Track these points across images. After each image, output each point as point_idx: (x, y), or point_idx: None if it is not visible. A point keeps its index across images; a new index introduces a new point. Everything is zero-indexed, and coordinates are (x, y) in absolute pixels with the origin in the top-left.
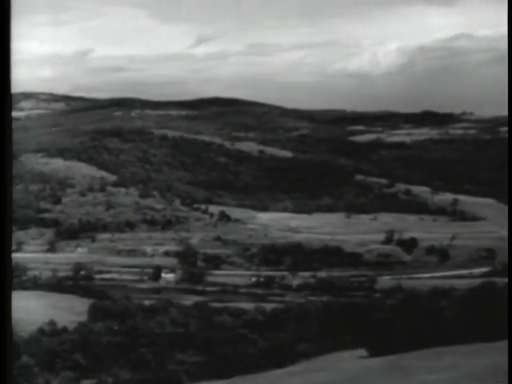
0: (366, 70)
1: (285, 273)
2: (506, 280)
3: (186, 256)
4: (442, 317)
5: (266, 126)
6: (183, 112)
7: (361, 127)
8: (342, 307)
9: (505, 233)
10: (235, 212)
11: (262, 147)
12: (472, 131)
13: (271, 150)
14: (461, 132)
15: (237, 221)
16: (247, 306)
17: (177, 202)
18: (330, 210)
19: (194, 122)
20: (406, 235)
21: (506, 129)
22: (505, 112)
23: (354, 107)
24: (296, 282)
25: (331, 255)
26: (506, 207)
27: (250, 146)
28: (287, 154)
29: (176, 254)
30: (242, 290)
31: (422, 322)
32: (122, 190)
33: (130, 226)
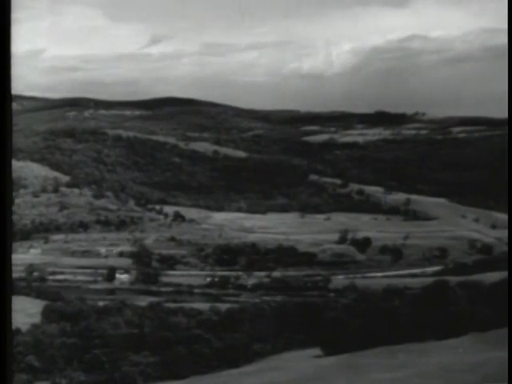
0: (320, 70)
1: (239, 273)
2: (458, 279)
3: (141, 257)
4: (396, 315)
5: (220, 126)
6: (137, 112)
7: (315, 127)
8: (296, 307)
9: (457, 232)
10: (190, 212)
11: (216, 147)
12: (424, 131)
13: (226, 151)
14: (413, 132)
15: (191, 221)
16: (202, 306)
17: (131, 203)
18: (284, 209)
19: (147, 122)
20: (360, 235)
21: (458, 129)
22: (456, 112)
23: (308, 107)
24: (251, 281)
25: (286, 255)
26: (458, 206)
27: (205, 147)
28: (242, 154)
29: (130, 255)
30: (197, 291)
31: (376, 320)
32: (76, 190)
33: (83, 226)
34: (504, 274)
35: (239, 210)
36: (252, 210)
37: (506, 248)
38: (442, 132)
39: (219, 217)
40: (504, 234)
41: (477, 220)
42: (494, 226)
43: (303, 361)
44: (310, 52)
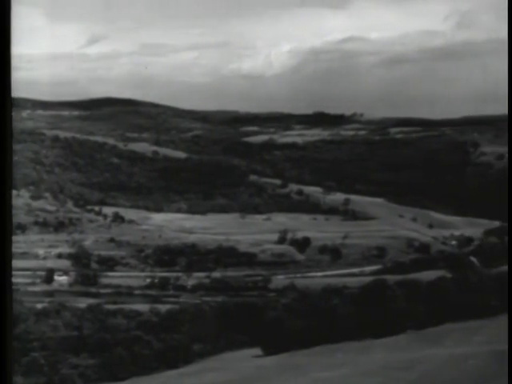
0: (259, 71)
1: (179, 274)
2: (396, 277)
3: (80, 258)
4: (335, 314)
5: (159, 127)
6: (75, 112)
7: (254, 128)
8: (236, 307)
9: (395, 231)
10: (129, 213)
11: (155, 148)
12: (362, 132)
13: (165, 151)
14: (352, 133)
15: (131, 222)
16: (142, 307)
17: (69, 204)
18: (224, 210)
19: (86, 123)
20: (299, 235)
21: (395, 130)
22: (394, 113)
23: (247, 108)
24: (191, 282)
25: (226, 255)
26: (396, 206)
27: (144, 147)
28: (181, 154)
29: (69, 256)
30: (137, 292)
31: (315, 320)
32: (14, 191)
33: (21, 228)
34: (441, 273)
35: (179, 210)
36: (192, 210)
37: (442, 247)
38: (379, 133)
39: (159, 217)
40: (440, 233)
41: (414, 219)
42: (430, 226)
43: (243, 361)
44: (249, 53)
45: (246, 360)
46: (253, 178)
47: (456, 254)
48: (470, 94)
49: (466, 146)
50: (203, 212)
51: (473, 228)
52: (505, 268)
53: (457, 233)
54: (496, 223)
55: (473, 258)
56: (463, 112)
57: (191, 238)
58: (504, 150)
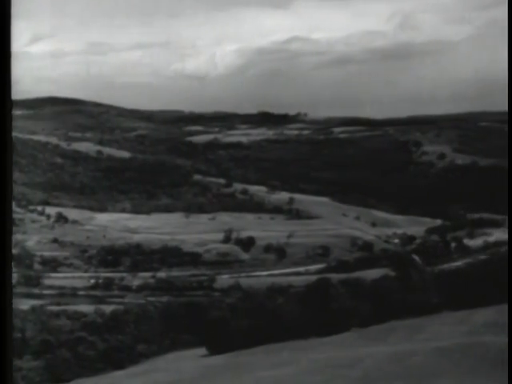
0: (203, 71)
1: (124, 274)
2: (340, 276)
3: (22, 259)
4: (280, 313)
5: (103, 126)
6: (18, 112)
7: (199, 127)
8: (181, 307)
9: (339, 230)
10: (73, 213)
11: (99, 147)
12: (306, 132)
13: (109, 151)
14: (296, 132)
15: (74, 222)
16: (86, 308)
17: (12, 204)
18: (168, 210)
19: (29, 122)
20: (244, 234)
21: (339, 129)
22: (338, 113)
23: (192, 108)
24: (135, 282)
25: (171, 255)
26: (340, 205)
27: (88, 147)
28: (125, 154)
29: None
30: (81, 293)
31: (261, 319)
32: None
33: None
34: (384, 271)
35: (123, 210)
36: (136, 210)
37: (385, 245)
38: (323, 132)
39: (103, 218)
40: (383, 231)
41: (358, 218)
42: (374, 224)
43: (189, 361)
44: (193, 53)
45: (192, 360)
46: (197, 177)
47: (399, 253)
48: (412, 94)
49: (408, 145)
50: (148, 212)
51: (415, 226)
52: (446, 266)
53: (399, 231)
54: (438, 221)
55: (415, 257)
56: (406, 112)
57: (136, 238)
58: (445, 149)
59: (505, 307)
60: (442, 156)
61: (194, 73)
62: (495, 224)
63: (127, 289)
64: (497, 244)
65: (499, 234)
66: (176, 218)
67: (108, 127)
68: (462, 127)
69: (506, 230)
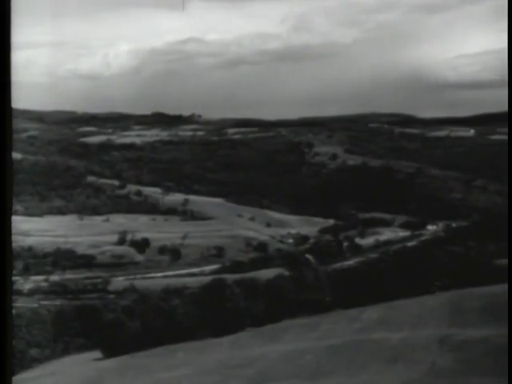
0: (97, 71)
1: (16, 277)
2: (235, 276)
3: None
4: (175, 315)
5: None
6: None
7: (92, 128)
8: (75, 310)
9: (233, 231)
10: None
11: None
12: (200, 133)
13: None
14: (190, 133)
15: None
16: None
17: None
18: (61, 212)
19: None
20: (139, 236)
21: (233, 130)
22: (231, 114)
23: (85, 108)
24: (27, 286)
25: (64, 258)
26: (235, 206)
27: None
28: (16, 155)
29: None
30: None
31: (156, 320)
32: None
33: None
34: (278, 271)
35: (15, 213)
36: (28, 212)
37: (279, 245)
38: (217, 133)
39: None
40: (277, 231)
41: (252, 219)
42: (268, 224)
43: (83, 364)
44: (87, 53)
45: (86, 363)
46: (91, 178)
47: (293, 252)
48: (305, 95)
49: (301, 146)
50: (40, 214)
51: (309, 226)
52: (339, 265)
53: (293, 231)
54: (331, 221)
55: (309, 256)
56: (298, 113)
57: (28, 241)
58: (337, 149)
59: (396, 304)
60: (333, 157)
61: (87, 73)
62: (385, 223)
63: (19, 293)
64: (387, 243)
65: (389, 233)
66: (69, 220)
67: None
68: (353, 128)
69: (396, 229)
